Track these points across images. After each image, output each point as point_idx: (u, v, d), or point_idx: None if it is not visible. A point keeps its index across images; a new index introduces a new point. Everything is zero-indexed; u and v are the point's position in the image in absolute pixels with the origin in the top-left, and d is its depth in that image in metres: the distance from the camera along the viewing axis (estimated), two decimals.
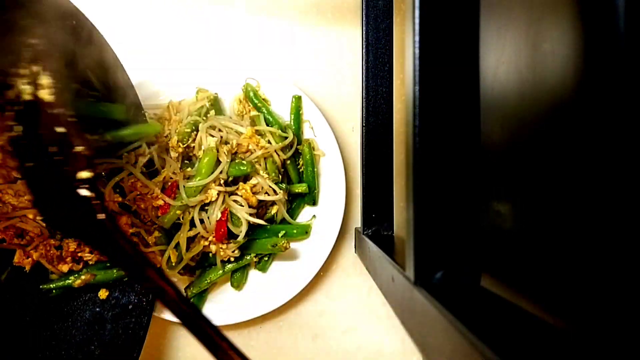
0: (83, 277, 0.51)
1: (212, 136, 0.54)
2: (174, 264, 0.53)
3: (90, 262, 0.52)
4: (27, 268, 0.51)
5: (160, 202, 0.52)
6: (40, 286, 0.51)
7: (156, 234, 0.53)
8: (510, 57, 0.24)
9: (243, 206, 0.53)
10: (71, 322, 0.51)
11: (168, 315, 0.55)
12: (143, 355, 0.58)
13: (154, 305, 0.53)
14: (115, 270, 0.52)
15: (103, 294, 0.53)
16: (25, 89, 0.37)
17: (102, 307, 0.52)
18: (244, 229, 0.53)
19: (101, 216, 0.37)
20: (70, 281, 0.51)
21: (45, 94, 0.37)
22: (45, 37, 0.38)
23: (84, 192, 0.37)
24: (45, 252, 0.51)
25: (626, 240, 0.16)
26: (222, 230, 0.52)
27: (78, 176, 0.37)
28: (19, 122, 0.38)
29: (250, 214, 0.53)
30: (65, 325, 0.51)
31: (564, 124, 0.19)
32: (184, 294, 0.37)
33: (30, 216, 0.49)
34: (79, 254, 0.52)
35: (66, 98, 0.37)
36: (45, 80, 0.37)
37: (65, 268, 0.51)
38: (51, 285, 0.51)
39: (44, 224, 0.50)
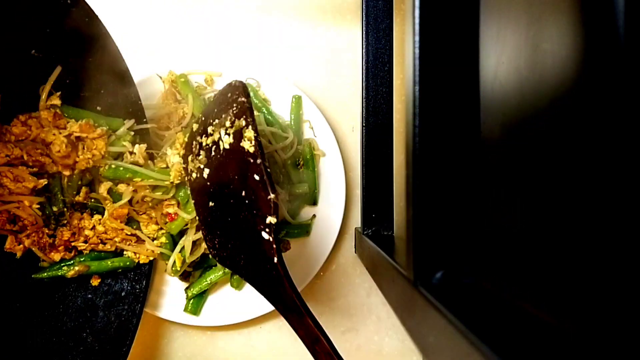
0: (77, 267, 0.51)
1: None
2: (179, 269, 0.53)
3: (85, 252, 0.52)
4: (19, 255, 0.50)
5: (171, 210, 0.52)
6: (32, 275, 0.51)
7: (163, 239, 0.53)
8: (510, 57, 0.24)
9: None
10: (62, 309, 0.51)
11: (168, 315, 0.55)
12: (143, 354, 0.58)
13: (147, 293, 0.53)
14: (109, 262, 0.52)
15: (95, 281, 0.52)
16: (225, 139, 0.44)
17: (94, 294, 0.52)
18: None
19: (275, 260, 0.40)
20: (63, 271, 0.51)
21: (248, 145, 0.41)
22: (250, 98, 0.44)
23: (266, 235, 0.40)
24: (37, 240, 0.51)
25: (626, 239, 0.16)
26: None
27: (267, 221, 0.40)
28: (207, 166, 0.46)
29: None
30: (56, 312, 0.51)
31: (564, 123, 0.19)
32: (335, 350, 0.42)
33: (27, 203, 0.49)
34: (73, 243, 0.52)
35: (263, 150, 0.42)
36: (249, 133, 0.41)
37: (57, 257, 0.51)
38: (43, 275, 0.51)
39: (40, 213, 0.50)
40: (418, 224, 0.27)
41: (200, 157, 0.47)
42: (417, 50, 0.26)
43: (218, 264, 0.54)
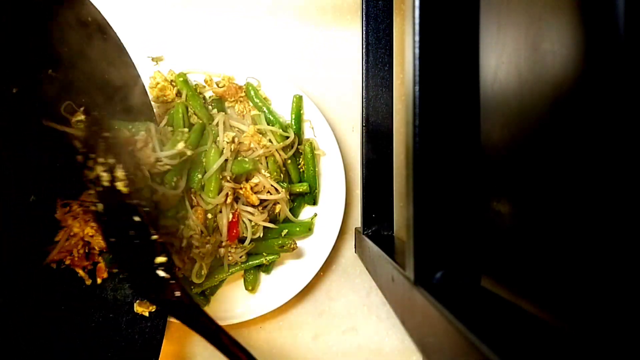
0: None
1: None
2: (202, 274, 0.53)
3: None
4: (99, 281, 0.51)
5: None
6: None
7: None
8: (510, 57, 0.24)
9: (254, 215, 0.53)
10: (84, 329, 0.50)
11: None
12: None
13: (166, 319, 0.52)
14: None
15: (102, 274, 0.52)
16: (103, 176, 0.41)
17: (115, 313, 0.51)
18: (259, 233, 0.54)
19: (177, 294, 0.42)
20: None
21: (121, 186, 0.40)
22: (115, 131, 0.42)
23: (162, 273, 0.42)
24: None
25: (626, 239, 0.16)
26: (235, 231, 0.52)
27: (156, 261, 0.41)
28: (100, 201, 0.43)
29: (263, 219, 0.54)
30: (79, 334, 0.50)
31: (564, 123, 0.19)
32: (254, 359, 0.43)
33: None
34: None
35: (141, 190, 0.41)
36: (119, 173, 0.40)
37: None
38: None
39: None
40: (418, 224, 0.27)
41: (91, 191, 0.44)
42: (417, 50, 0.27)
43: (225, 267, 0.55)
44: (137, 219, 0.42)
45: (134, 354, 0.49)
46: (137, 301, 0.51)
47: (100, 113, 0.44)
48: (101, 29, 0.47)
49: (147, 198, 0.45)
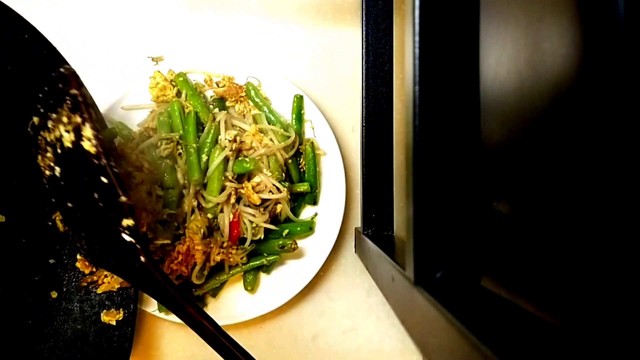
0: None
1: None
2: (204, 274, 0.53)
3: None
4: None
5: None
6: None
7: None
8: (510, 57, 0.24)
9: (255, 216, 0.53)
10: (54, 342, 0.50)
11: (169, 316, 0.55)
12: (143, 354, 0.58)
13: (135, 317, 0.53)
14: None
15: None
16: (66, 137, 0.38)
17: (83, 324, 0.52)
18: (260, 234, 0.55)
19: (143, 259, 0.39)
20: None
21: (88, 145, 0.37)
22: (83, 88, 0.39)
23: (127, 237, 0.39)
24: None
25: (627, 239, 0.16)
26: (236, 231, 0.52)
27: (123, 224, 0.38)
28: (58, 165, 0.40)
29: (264, 221, 0.54)
30: (49, 346, 0.50)
31: (564, 123, 0.19)
32: (218, 326, 0.41)
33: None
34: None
35: (109, 149, 0.38)
36: (87, 131, 0.37)
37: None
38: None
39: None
40: (418, 224, 0.27)
41: (48, 154, 0.41)
42: (417, 50, 0.27)
43: (226, 269, 0.55)
44: (104, 180, 0.38)
45: None
46: (104, 311, 0.51)
47: (69, 69, 0.41)
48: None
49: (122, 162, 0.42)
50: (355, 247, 0.60)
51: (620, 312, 0.16)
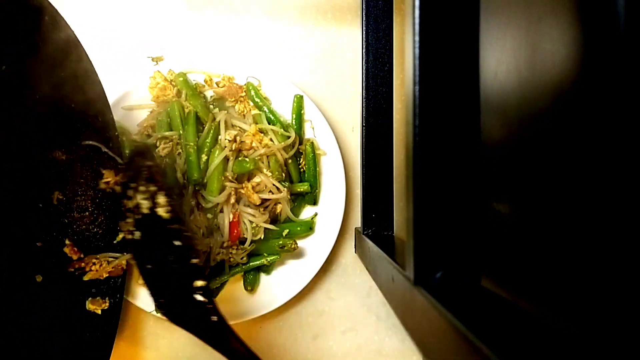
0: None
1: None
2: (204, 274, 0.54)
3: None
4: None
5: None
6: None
7: None
8: (510, 57, 0.24)
9: (255, 216, 0.53)
10: (35, 328, 0.48)
11: None
12: (143, 354, 0.58)
13: (121, 307, 0.52)
14: None
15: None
16: (143, 204, 0.43)
17: (67, 312, 0.50)
18: (260, 235, 0.55)
19: (214, 319, 0.42)
20: None
21: (163, 212, 0.42)
22: (157, 159, 0.44)
23: (199, 297, 0.42)
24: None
25: (627, 238, 0.16)
26: (236, 231, 0.52)
27: (195, 284, 0.41)
28: (138, 229, 0.44)
29: (264, 221, 0.54)
30: (29, 331, 0.48)
31: (564, 123, 0.19)
32: None
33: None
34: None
35: (182, 215, 0.42)
36: (161, 199, 0.41)
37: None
38: None
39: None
40: (418, 224, 0.27)
41: (129, 219, 0.46)
42: (417, 50, 0.26)
43: (226, 269, 0.55)
44: (177, 243, 0.42)
45: (86, 352, 0.49)
46: (90, 299, 0.51)
47: (143, 142, 0.46)
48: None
49: (185, 221, 0.46)
50: (355, 247, 0.60)
51: (620, 312, 0.16)
